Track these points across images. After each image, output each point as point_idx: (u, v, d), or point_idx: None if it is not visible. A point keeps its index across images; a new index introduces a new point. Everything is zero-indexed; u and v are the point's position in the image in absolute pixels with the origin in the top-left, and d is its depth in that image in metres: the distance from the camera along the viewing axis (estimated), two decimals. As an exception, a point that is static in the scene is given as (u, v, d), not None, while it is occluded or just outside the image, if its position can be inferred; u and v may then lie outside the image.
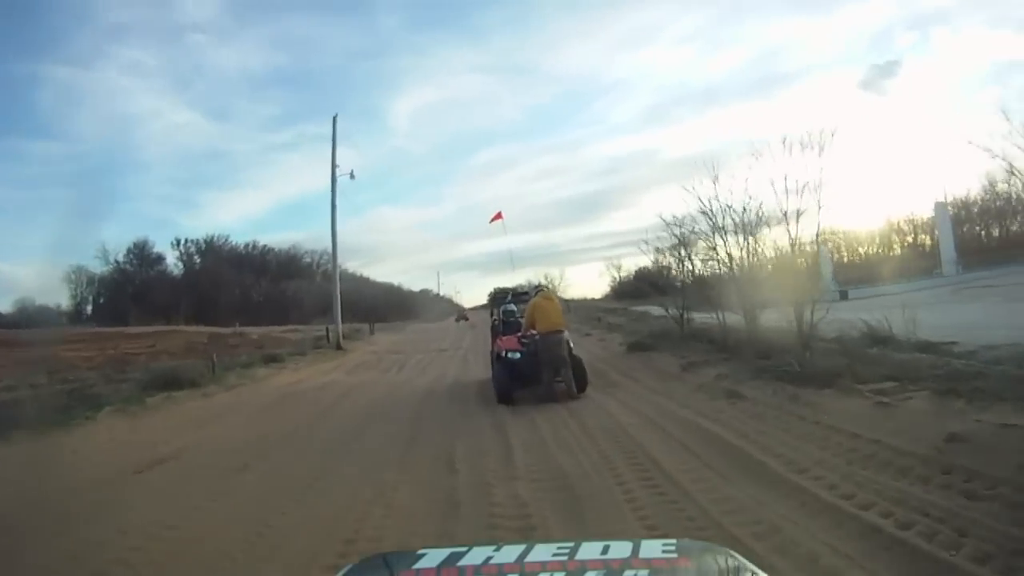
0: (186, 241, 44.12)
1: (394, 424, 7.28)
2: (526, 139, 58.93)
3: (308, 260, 42.05)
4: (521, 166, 64.92)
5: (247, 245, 44.89)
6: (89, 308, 38.73)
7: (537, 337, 7.93)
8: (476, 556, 1.03)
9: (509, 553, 1.05)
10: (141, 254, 41.77)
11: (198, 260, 44.95)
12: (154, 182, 56.57)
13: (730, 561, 1.10)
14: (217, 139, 53.37)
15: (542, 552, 1.04)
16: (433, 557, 1.06)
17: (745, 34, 55.27)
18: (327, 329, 18.95)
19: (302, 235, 58.59)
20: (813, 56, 44.79)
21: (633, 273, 39.65)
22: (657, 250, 10.96)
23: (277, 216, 55.83)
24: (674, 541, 1.18)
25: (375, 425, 7.35)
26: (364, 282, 39.94)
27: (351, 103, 58.23)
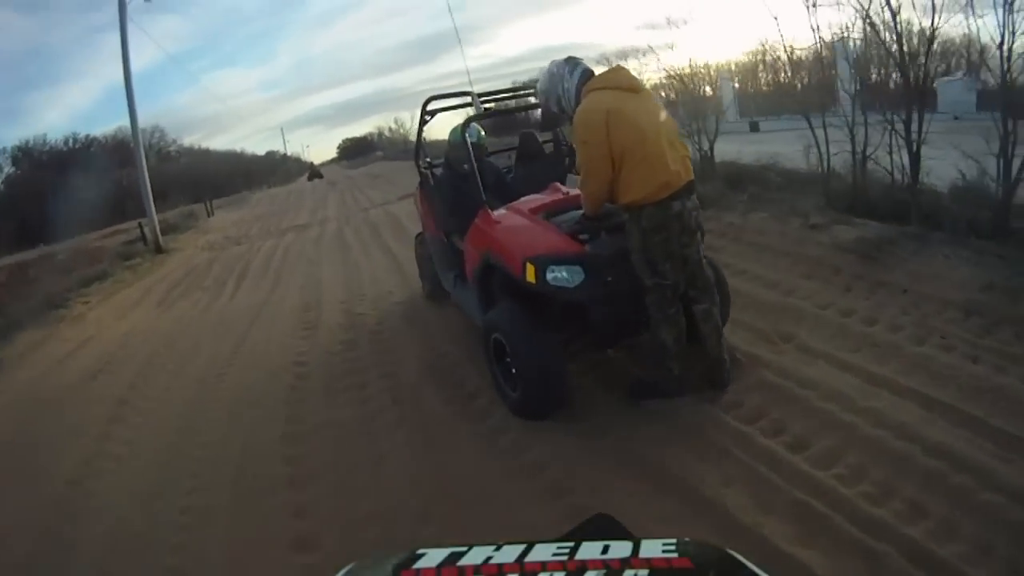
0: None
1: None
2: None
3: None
4: (362, 9, 58.33)
5: (67, 140, 36.41)
6: None
7: (628, 217, 2.54)
8: (476, 556, 0.96)
9: (509, 553, 0.97)
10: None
11: (13, 171, 36.17)
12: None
13: (730, 561, 0.99)
14: (34, 33, 43.11)
15: (542, 552, 0.97)
16: (433, 557, 0.96)
17: None
18: (141, 226, 14.11)
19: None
20: None
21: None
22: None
23: (106, 106, 52.60)
24: (674, 541, 1.00)
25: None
26: (204, 155, 33.80)
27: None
